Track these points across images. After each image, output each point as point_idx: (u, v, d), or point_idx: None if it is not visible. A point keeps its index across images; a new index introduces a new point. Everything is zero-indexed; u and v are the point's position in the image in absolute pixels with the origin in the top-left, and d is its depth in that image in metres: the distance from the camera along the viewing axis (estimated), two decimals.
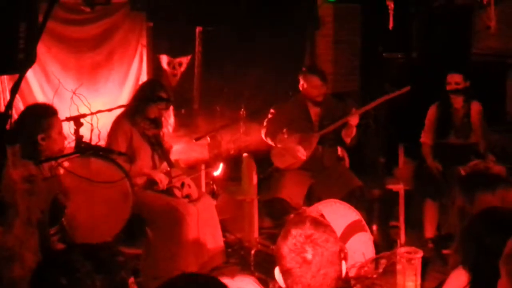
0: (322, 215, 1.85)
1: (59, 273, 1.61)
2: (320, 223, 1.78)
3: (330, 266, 1.74)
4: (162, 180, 3.91)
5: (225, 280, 1.69)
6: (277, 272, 1.82)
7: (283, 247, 1.77)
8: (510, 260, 1.73)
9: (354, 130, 4.40)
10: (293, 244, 1.74)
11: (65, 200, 3.08)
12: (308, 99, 4.49)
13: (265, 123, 4.56)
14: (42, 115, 3.20)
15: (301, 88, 4.51)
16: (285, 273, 1.76)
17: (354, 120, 4.33)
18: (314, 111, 4.53)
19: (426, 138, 4.66)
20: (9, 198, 2.57)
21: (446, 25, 5.72)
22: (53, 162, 3.05)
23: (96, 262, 1.64)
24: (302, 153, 4.43)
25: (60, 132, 3.22)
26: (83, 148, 3.22)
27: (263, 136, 4.55)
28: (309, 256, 1.72)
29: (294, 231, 1.76)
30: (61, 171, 3.14)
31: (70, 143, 3.34)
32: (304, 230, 1.76)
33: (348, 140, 4.45)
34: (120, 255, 3.27)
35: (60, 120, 3.26)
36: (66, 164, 3.11)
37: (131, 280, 3.48)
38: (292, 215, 1.88)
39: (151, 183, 3.95)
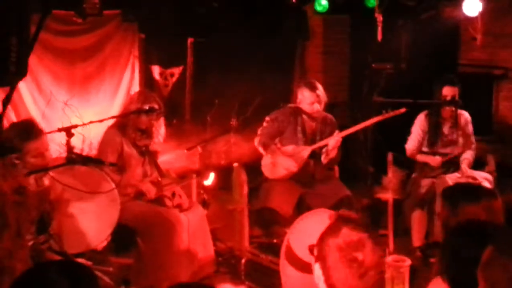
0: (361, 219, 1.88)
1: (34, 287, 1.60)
2: (367, 227, 1.78)
3: (376, 269, 1.74)
4: (150, 190, 3.94)
5: None
6: (316, 268, 1.79)
7: (332, 244, 1.74)
8: (487, 267, 1.77)
9: (334, 152, 4.40)
10: (346, 242, 1.72)
11: (52, 210, 3.09)
12: (304, 113, 4.52)
13: (259, 131, 4.59)
14: (19, 137, 3.08)
15: (298, 103, 4.54)
16: (332, 270, 1.74)
17: (333, 143, 4.35)
18: (310, 125, 4.56)
19: (412, 145, 4.70)
20: None
21: (434, 36, 5.79)
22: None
23: (73, 279, 1.62)
24: (294, 166, 4.47)
25: (37, 156, 3.10)
26: (74, 159, 3.24)
27: (256, 143, 4.59)
28: (360, 256, 1.71)
29: (346, 230, 1.73)
30: (46, 182, 3.13)
31: (61, 153, 3.36)
32: (356, 231, 1.73)
33: (325, 161, 4.47)
34: (108, 266, 3.29)
35: (39, 143, 3.15)
36: (51, 173, 3.11)
37: None
38: (337, 213, 1.86)
39: (141, 194, 3.98)
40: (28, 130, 3.18)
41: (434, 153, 4.65)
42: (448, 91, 4.53)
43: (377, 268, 1.74)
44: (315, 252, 1.83)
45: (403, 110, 4.35)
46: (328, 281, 1.76)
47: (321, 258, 1.77)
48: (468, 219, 2.36)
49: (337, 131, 4.42)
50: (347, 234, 1.74)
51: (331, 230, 1.77)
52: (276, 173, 4.54)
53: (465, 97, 4.62)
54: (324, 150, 4.44)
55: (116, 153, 3.93)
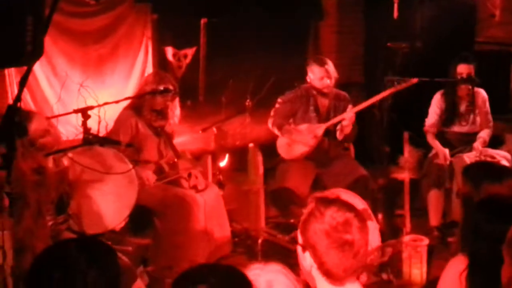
0: (341, 197, 1.82)
1: (52, 266, 1.62)
2: (349, 205, 1.75)
3: (367, 245, 1.73)
4: (149, 178, 3.91)
5: (255, 271, 1.68)
6: (307, 257, 1.76)
7: (319, 231, 1.71)
8: None
9: (348, 128, 4.36)
10: (333, 227, 1.69)
11: (71, 190, 3.11)
12: (316, 90, 4.50)
13: (272, 113, 4.58)
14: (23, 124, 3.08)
15: (308, 79, 4.52)
16: (324, 256, 1.71)
17: (348, 118, 4.31)
18: (322, 103, 4.53)
19: (430, 126, 4.67)
20: (19, 190, 2.61)
21: (451, 13, 5.69)
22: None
23: (90, 257, 1.64)
24: (311, 139, 4.42)
25: (43, 134, 3.13)
26: (91, 140, 3.25)
27: (269, 125, 4.58)
28: (349, 237, 1.69)
29: (330, 213, 1.71)
30: (65, 162, 3.15)
31: (78, 135, 3.37)
32: (340, 212, 1.71)
33: (341, 137, 4.45)
34: (125, 246, 3.32)
35: (36, 122, 3.14)
36: (70, 154, 3.12)
37: (140, 269, 3.55)
38: (316, 197, 1.80)
39: (159, 174, 3.99)
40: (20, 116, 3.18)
41: (451, 132, 4.62)
42: (463, 69, 4.47)
43: (367, 244, 1.73)
44: (301, 240, 1.79)
45: (415, 80, 4.26)
46: (322, 268, 1.73)
47: (310, 246, 1.74)
48: (489, 195, 2.34)
49: (350, 106, 4.39)
50: (332, 217, 1.71)
51: (314, 216, 1.73)
52: (292, 153, 4.53)
53: (483, 75, 4.56)
54: (338, 127, 4.41)
55: (128, 135, 3.92)
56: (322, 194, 1.83)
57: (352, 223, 1.71)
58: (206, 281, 1.48)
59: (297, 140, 4.48)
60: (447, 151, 4.45)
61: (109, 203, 3.28)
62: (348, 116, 4.31)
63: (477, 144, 4.48)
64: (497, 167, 3.05)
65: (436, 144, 4.56)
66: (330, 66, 4.47)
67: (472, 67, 4.48)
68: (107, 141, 3.37)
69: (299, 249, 1.82)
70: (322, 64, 4.45)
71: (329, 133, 4.50)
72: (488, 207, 2.21)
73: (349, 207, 1.75)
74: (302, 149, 4.50)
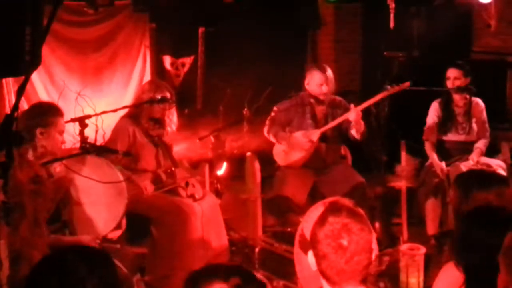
0: (355, 205, 1.93)
1: (51, 273, 1.62)
2: (355, 213, 1.86)
3: (363, 254, 1.81)
4: (147, 187, 3.91)
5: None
6: (310, 256, 1.89)
7: (319, 233, 1.84)
8: (509, 253, 1.76)
9: (361, 125, 4.35)
10: (330, 230, 1.81)
11: (66, 198, 3.11)
12: (313, 97, 4.50)
13: (267, 122, 4.58)
14: (46, 111, 3.21)
15: (306, 85, 4.52)
16: (320, 257, 1.83)
17: (354, 116, 4.31)
18: (319, 109, 4.53)
19: (429, 135, 4.67)
20: (16, 199, 2.61)
21: (447, 23, 5.73)
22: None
23: (90, 265, 1.64)
24: (307, 143, 4.42)
25: (61, 133, 3.22)
26: (88, 149, 3.25)
27: (265, 133, 4.57)
28: (345, 242, 1.79)
29: (331, 219, 1.83)
30: (58, 169, 3.15)
31: (75, 144, 3.37)
32: (341, 218, 1.83)
33: (358, 136, 4.42)
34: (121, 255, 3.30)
35: (63, 122, 3.26)
36: (64, 162, 3.13)
37: (137, 278, 3.54)
38: (328, 203, 1.95)
39: (156, 183, 4.00)
40: (56, 107, 3.28)
41: (447, 141, 4.63)
42: (450, 73, 4.52)
43: (363, 253, 1.81)
44: (309, 240, 1.92)
45: (407, 84, 4.31)
46: (319, 268, 1.86)
47: (313, 247, 1.87)
48: (479, 205, 2.35)
49: (352, 106, 4.35)
50: (333, 222, 1.83)
51: (320, 220, 1.86)
52: (289, 160, 4.52)
53: (479, 84, 4.58)
54: (352, 126, 4.36)
55: (126, 143, 3.93)
56: (333, 199, 1.98)
57: (350, 230, 1.81)
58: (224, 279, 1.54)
59: (293, 146, 4.47)
60: (443, 164, 4.45)
61: (99, 212, 3.26)
62: (353, 116, 4.30)
63: (473, 156, 4.48)
64: (487, 174, 3.03)
65: (433, 157, 4.54)
66: (330, 74, 4.46)
67: (460, 72, 4.49)
68: (104, 150, 3.37)
69: (296, 256, 1.90)
70: (323, 70, 4.44)
71: (326, 138, 4.51)
72: (478, 217, 2.20)
73: (353, 216, 1.84)
74: (298, 155, 4.49)
